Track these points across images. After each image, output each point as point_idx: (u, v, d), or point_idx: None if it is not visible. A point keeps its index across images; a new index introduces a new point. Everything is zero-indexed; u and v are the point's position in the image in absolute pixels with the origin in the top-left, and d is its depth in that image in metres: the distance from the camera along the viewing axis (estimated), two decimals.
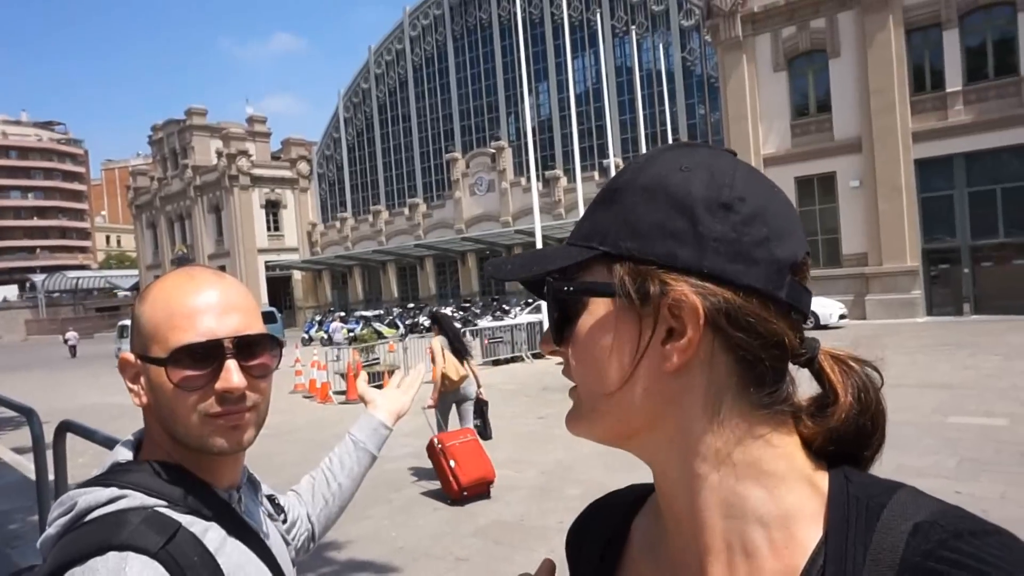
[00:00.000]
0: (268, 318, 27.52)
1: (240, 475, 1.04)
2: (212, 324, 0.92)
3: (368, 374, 14.25)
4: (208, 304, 0.93)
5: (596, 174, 36.79)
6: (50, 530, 0.87)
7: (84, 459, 5.45)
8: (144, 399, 0.95)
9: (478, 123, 46.14)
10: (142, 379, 0.95)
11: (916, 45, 22.39)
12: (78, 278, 73.65)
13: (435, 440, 6.91)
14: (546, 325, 0.64)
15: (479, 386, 7.76)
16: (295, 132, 75.49)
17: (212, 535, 0.90)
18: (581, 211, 25.10)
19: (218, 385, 0.91)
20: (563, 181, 37.86)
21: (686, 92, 36.98)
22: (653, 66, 36.49)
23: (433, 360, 7.31)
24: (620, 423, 0.58)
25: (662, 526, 0.63)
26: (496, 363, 18.05)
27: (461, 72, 46.77)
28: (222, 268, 45.84)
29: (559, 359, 0.62)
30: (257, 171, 50.33)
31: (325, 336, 29.14)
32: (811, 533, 0.53)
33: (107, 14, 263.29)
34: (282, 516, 1.16)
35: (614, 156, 31.11)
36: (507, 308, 30.48)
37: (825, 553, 0.52)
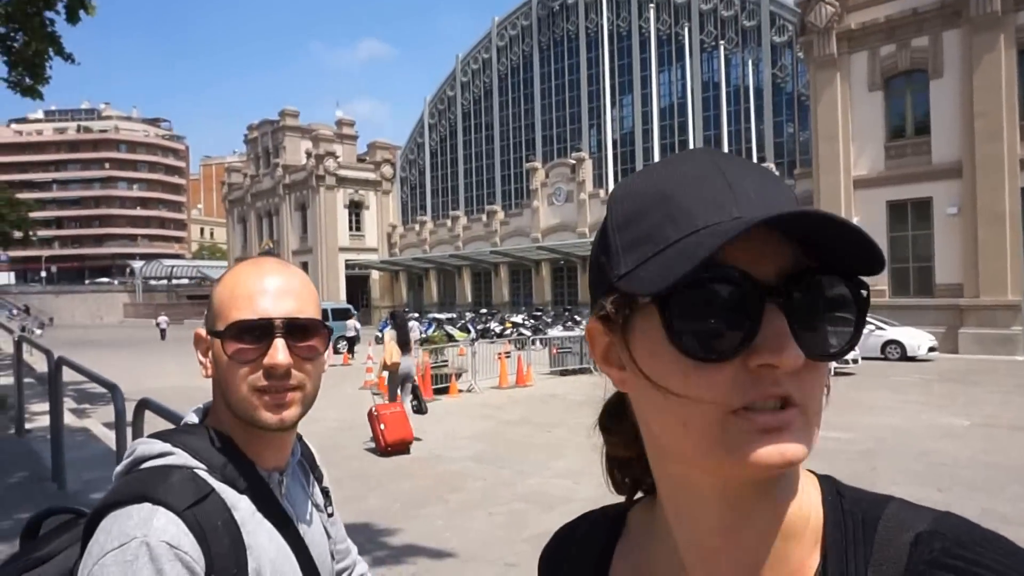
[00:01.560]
0: (344, 315, 28.30)
1: (286, 459, 1.10)
2: (268, 305, 1.01)
3: (435, 375, 14.47)
4: (267, 288, 1.02)
5: None
6: (119, 467, 0.99)
7: None
8: (210, 371, 1.05)
9: (559, 134, 46.23)
10: (210, 353, 1.05)
11: None
12: (173, 266, 77.79)
13: (372, 408, 9.18)
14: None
15: (416, 371, 10.90)
16: (378, 136, 77.71)
17: (242, 507, 0.97)
18: None
19: (265, 360, 0.99)
20: None
21: (775, 110, 36.00)
22: (741, 82, 35.71)
23: (384, 347, 10.02)
24: None
25: (651, 549, 0.62)
26: (563, 373, 17.97)
27: (546, 83, 47.02)
28: (304, 265, 47.19)
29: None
30: (343, 172, 51.96)
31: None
32: (812, 551, 0.53)
33: (212, 18, 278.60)
34: (329, 510, 1.21)
35: None
36: (578, 319, 30.34)
37: (825, 570, 0.51)
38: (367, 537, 5.87)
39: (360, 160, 56.31)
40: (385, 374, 10.23)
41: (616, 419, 0.65)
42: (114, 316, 70.72)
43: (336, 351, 24.35)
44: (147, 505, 0.88)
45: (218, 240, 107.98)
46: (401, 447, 8.97)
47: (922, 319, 21.51)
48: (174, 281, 76.41)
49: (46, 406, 7.57)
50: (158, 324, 41.73)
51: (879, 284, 23.63)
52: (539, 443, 9.69)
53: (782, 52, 35.65)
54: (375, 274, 52.87)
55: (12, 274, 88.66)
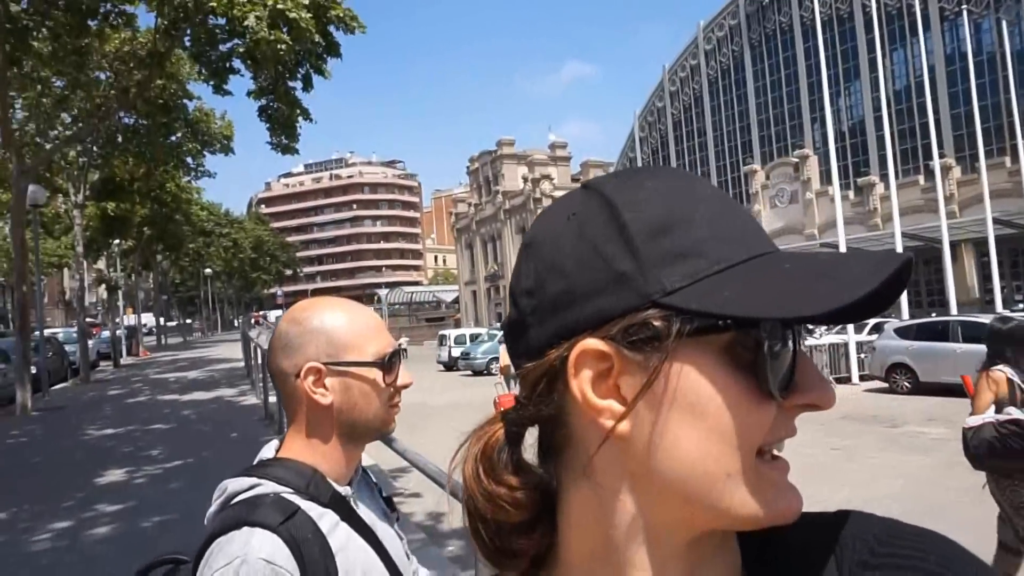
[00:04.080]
0: None
1: (353, 474, 1.22)
2: (388, 338, 1.22)
3: None
4: (380, 324, 1.23)
5: (921, 178, 32.35)
6: (212, 508, 1.11)
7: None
8: (332, 399, 1.14)
9: (778, 132, 43.51)
10: (328, 381, 1.14)
11: None
12: (412, 292, 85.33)
13: (495, 398, 12.13)
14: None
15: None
16: (591, 154, 78.81)
17: (326, 519, 1.09)
18: (898, 220, 22.30)
19: (401, 381, 1.21)
20: (879, 188, 33.92)
21: None
22: (997, 48, 30.99)
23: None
24: None
25: None
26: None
27: (759, 80, 44.61)
28: None
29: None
30: (558, 193, 53.43)
31: None
32: None
33: (426, 68, 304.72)
34: (395, 515, 1.33)
35: (940, 157, 27.09)
36: (811, 327, 28.16)
37: None
38: None
39: (575, 180, 57.57)
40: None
41: (522, 470, 0.51)
42: None
43: None
44: (246, 528, 1.00)
45: (450, 266, 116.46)
46: None
47: None
48: (413, 305, 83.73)
49: None
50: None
51: None
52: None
53: None
54: None
55: (281, 310, 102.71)
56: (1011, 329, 3.97)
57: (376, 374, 1.16)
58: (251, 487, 1.09)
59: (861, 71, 38.12)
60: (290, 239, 73.27)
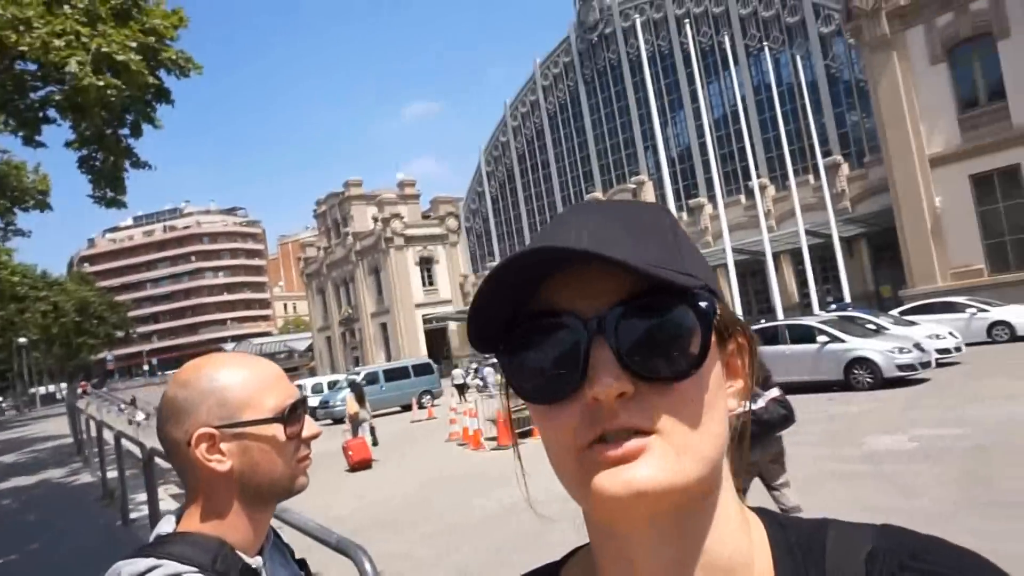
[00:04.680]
0: (425, 370, 28.53)
1: (263, 540, 1.13)
2: (290, 389, 1.12)
3: (516, 419, 14.30)
4: (278, 375, 1.13)
5: (743, 197, 35.33)
6: None
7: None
8: (230, 463, 1.05)
9: (616, 160, 46.12)
10: (223, 446, 1.05)
11: None
12: (262, 344, 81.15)
13: (344, 444, 13.71)
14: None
15: (371, 417, 16.07)
16: (439, 191, 79.56)
17: None
18: (727, 237, 24.07)
19: (306, 433, 1.12)
20: (708, 208, 36.72)
21: (833, 101, 34.85)
22: (794, 79, 34.80)
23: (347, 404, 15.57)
24: (713, 475, 0.49)
25: None
26: None
27: (595, 113, 47.20)
28: (383, 326, 47.80)
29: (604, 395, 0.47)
30: (410, 231, 53.25)
31: (480, 383, 29.79)
32: None
33: (264, 109, 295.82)
34: None
35: (757, 178, 29.80)
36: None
37: None
38: None
39: (425, 217, 57.63)
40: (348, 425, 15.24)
41: None
42: None
43: (420, 406, 24.53)
44: None
45: (300, 313, 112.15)
46: (365, 464, 13.31)
47: None
48: (265, 357, 79.64)
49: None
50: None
51: (974, 264, 22.15)
52: None
53: (831, 42, 34.65)
54: (452, 325, 53.47)
55: (112, 376, 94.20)
56: None
57: (276, 429, 1.07)
58: (149, 569, 0.97)
59: (684, 102, 41.36)
60: (120, 298, 67.27)
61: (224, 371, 1.08)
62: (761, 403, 4.81)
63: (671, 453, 0.46)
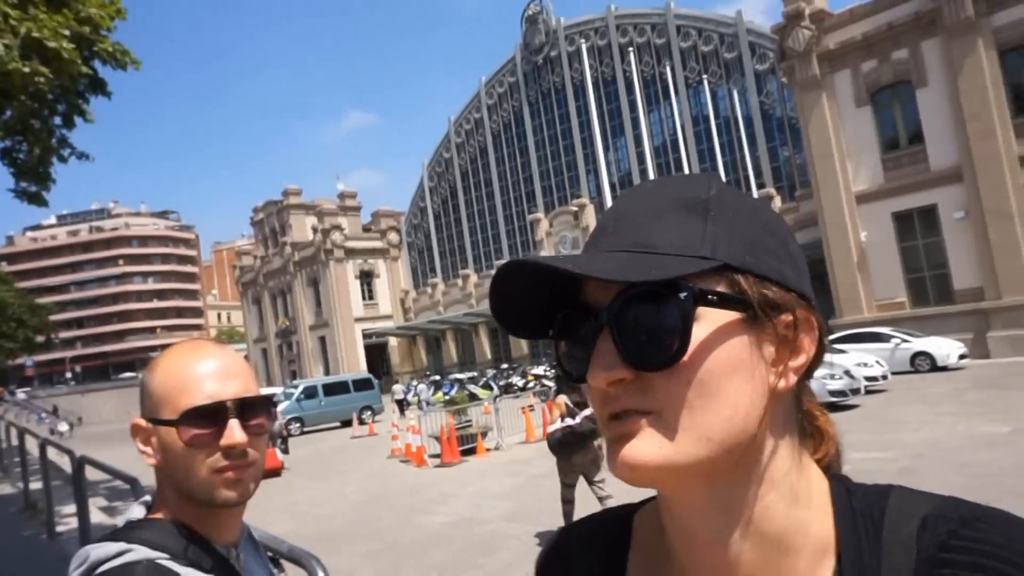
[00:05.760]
0: (365, 385, 28.27)
1: (239, 532, 1.13)
2: (216, 388, 1.03)
3: (460, 436, 14.41)
4: (211, 371, 1.05)
5: None
6: None
7: None
8: (156, 459, 1.06)
9: (558, 182, 46.86)
10: (153, 440, 1.05)
11: (1012, 66, 21.30)
12: None
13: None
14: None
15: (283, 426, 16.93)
16: (380, 204, 79.04)
17: None
18: None
19: (223, 442, 1.02)
20: None
21: (767, 136, 36.41)
22: (730, 113, 36.22)
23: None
24: (729, 455, 0.51)
25: (672, 559, 0.59)
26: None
27: (539, 135, 47.91)
28: (321, 339, 47.17)
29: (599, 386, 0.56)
30: (350, 243, 52.67)
31: (417, 399, 29.71)
32: (821, 557, 0.53)
33: (201, 112, 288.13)
34: (282, 575, 1.25)
35: None
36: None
37: (841, 570, 0.52)
38: None
39: (366, 230, 57.12)
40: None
41: None
42: (138, 411, 70.83)
43: (361, 422, 24.30)
44: None
45: (235, 323, 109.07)
46: (274, 472, 14.46)
47: (944, 327, 21.23)
48: None
49: (75, 507, 7.62)
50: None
51: (897, 296, 23.43)
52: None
53: (766, 79, 36.24)
54: (393, 341, 53.01)
55: (32, 383, 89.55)
56: (560, 375, 7.02)
57: (175, 434, 1.02)
58: (119, 553, 0.96)
59: (626, 128, 42.46)
60: (42, 300, 64.08)
61: (168, 362, 1.06)
62: (577, 420, 6.52)
63: (668, 432, 0.50)
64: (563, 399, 6.84)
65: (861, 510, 0.54)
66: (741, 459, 0.52)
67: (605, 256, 0.53)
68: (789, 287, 0.53)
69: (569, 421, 6.59)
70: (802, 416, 0.58)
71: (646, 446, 0.50)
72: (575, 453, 6.58)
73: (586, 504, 6.51)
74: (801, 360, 0.54)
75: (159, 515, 1.05)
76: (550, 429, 6.75)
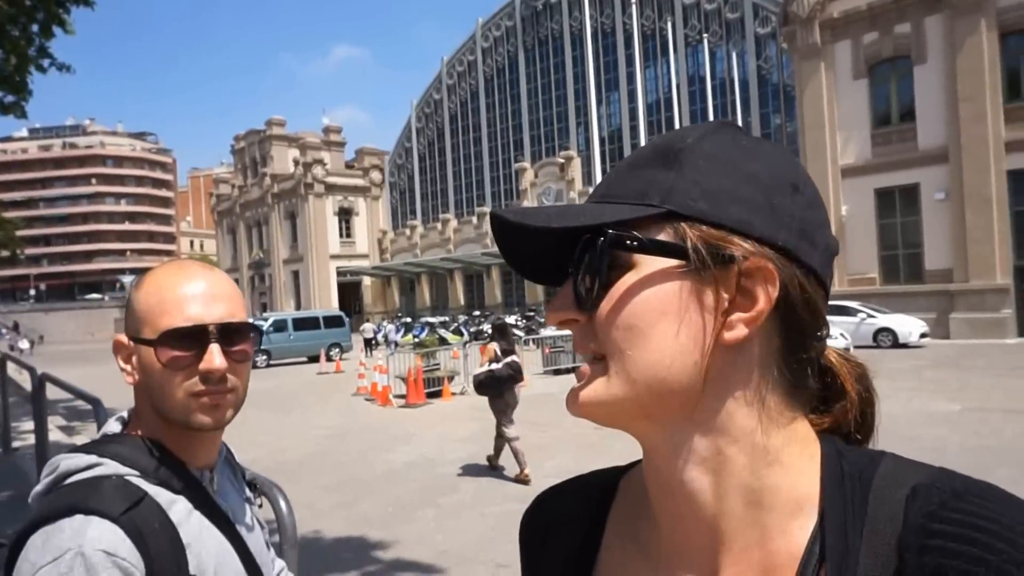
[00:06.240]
0: (336, 322, 28.11)
1: (216, 456, 1.10)
2: (199, 311, 1.01)
3: (427, 378, 14.39)
4: (196, 293, 1.02)
5: None
6: (38, 487, 0.97)
7: None
8: (135, 378, 1.04)
9: (547, 133, 46.24)
10: (133, 359, 1.04)
11: (1011, 50, 21.15)
12: None
13: None
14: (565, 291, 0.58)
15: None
16: (364, 142, 77.70)
17: (178, 507, 0.97)
18: None
19: (201, 366, 1.00)
20: None
21: (760, 101, 36.07)
22: (727, 75, 35.78)
23: None
24: (660, 399, 0.52)
25: (652, 516, 0.59)
26: (556, 372, 17.91)
27: (532, 83, 47.02)
28: (295, 273, 46.98)
29: (565, 330, 0.58)
30: (331, 179, 51.83)
31: (385, 339, 29.71)
32: (803, 515, 0.53)
33: (185, 30, 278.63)
34: (259, 501, 1.22)
35: None
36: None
37: (823, 534, 0.51)
38: (360, 542, 5.80)
39: (348, 167, 56.17)
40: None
41: None
42: (106, 332, 70.28)
43: (328, 359, 24.23)
44: (79, 516, 0.87)
45: (208, 252, 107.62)
46: None
47: (912, 305, 21.53)
48: None
49: (33, 424, 7.46)
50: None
51: (869, 272, 23.65)
52: (532, 443, 9.59)
53: (766, 43, 35.73)
54: (367, 280, 52.74)
55: None
56: (495, 324, 8.65)
57: (163, 354, 1.00)
58: (90, 466, 0.95)
59: (620, 83, 41.80)
60: (9, 215, 62.54)
61: (153, 280, 1.04)
62: (499, 365, 7.35)
63: (605, 373, 0.53)
64: (493, 346, 7.62)
65: (850, 473, 0.53)
66: (684, 405, 0.52)
67: (551, 207, 0.54)
68: (753, 236, 0.52)
69: (494, 366, 7.35)
70: (808, 376, 0.56)
71: (587, 385, 0.54)
72: (504, 393, 7.46)
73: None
74: (753, 312, 0.51)
75: (135, 431, 1.04)
76: (474, 372, 7.45)
